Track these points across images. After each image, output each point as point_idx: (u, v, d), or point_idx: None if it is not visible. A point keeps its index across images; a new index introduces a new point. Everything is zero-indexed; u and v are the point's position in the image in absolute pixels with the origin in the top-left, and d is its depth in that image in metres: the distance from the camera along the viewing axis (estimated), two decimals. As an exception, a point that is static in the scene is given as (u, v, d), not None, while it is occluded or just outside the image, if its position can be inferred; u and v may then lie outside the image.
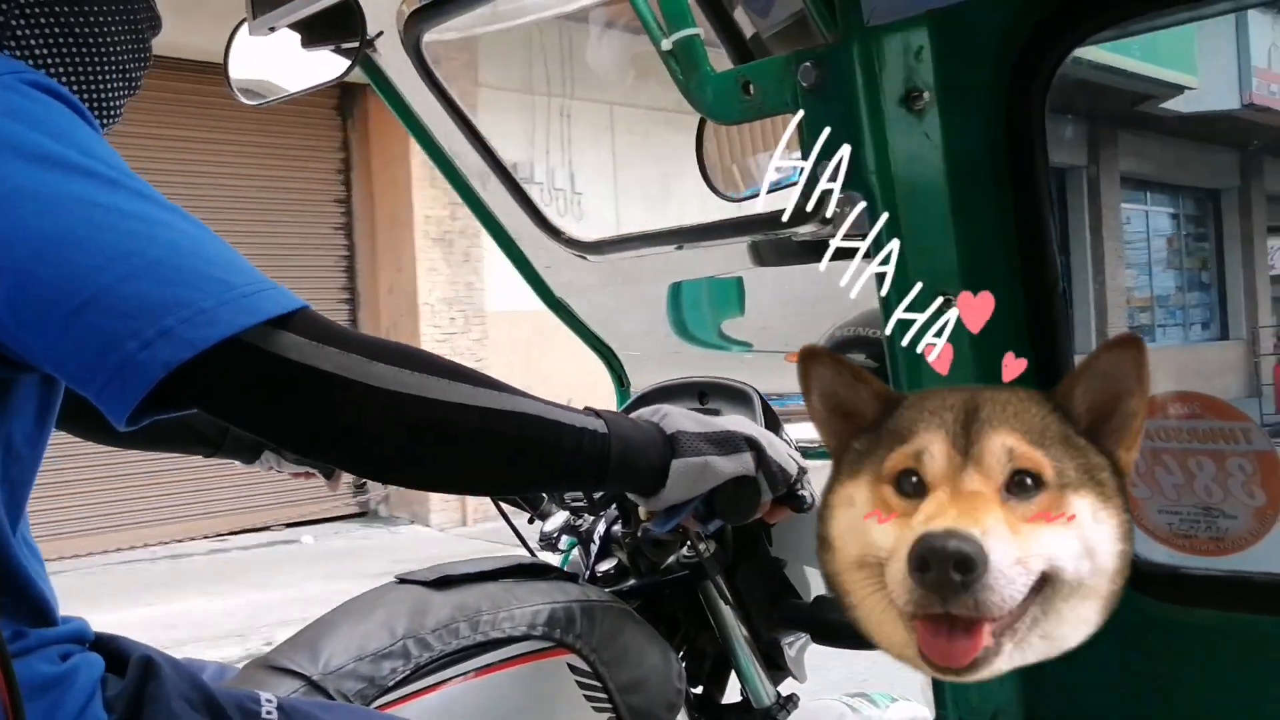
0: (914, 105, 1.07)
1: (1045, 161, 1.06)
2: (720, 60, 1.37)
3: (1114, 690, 1.09)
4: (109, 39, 1.11)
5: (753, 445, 1.20)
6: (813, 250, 1.76)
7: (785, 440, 1.52)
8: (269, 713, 1.06)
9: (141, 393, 0.85)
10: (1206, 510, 1.04)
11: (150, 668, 1.04)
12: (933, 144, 1.08)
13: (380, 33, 1.79)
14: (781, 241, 1.77)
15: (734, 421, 1.22)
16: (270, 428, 0.95)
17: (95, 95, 1.11)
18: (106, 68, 1.12)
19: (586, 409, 1.11)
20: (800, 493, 1.28)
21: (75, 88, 1.09)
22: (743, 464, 1.19)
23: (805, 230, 1.69)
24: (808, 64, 1.07)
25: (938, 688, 1.11)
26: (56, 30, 1.07)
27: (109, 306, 0.85)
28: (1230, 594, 1.02)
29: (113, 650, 1.06)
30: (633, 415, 1.16)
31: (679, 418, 1.17)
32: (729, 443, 1.18)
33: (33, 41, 1.05)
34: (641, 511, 1.23)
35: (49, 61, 1.07)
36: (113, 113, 1.15)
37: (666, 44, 1.15)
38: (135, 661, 1.04)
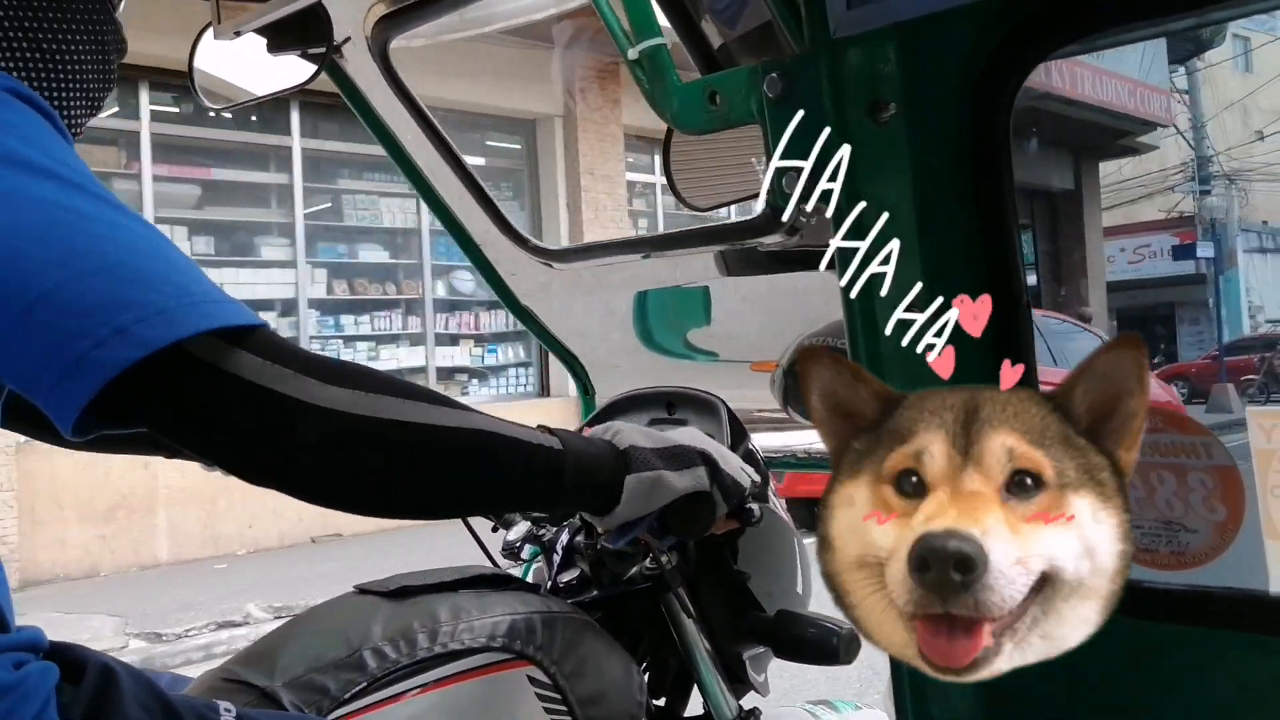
0: (879, 117, 1.07)
1: (1010, 174, 1.06)
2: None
3: (1070, 703, 1.09)
4: (76, 58, 1.10)
5: (706, 459, 1.20)
6: (780, 260, 1.76)
7: (751, 449, 1.52)
8: None
9: (89, 394, 0.82)
10: (1168, 524, 1.05)
11: (108, 676, 1.02)
12: (897, 156, 1.08)
13: (347, 38, 1.78)
14: (748, 251, 1.77)
15: (687, 435, 1.22)
16: (217, 448, 0.92)
17: (60, 112, 1.10)
18: (72, 86, 1.11)
19: (540, 427, 1.11)
20: (749, 506, 1.28)
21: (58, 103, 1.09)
22: (696, 479, 1.18)
23: (771, 240, 1.70)
24: (774, 75, 1.07)
25: (899, 697, 1.11)
26: (25, 45, 1.06)
27: (64, 303, 0.82)
28: (1191, 609, 1.02)
29: (68, 659, 1.04)
30: (585, 434, 1.16)
31: (631, 434, 1.16)
32: (682, 458, 1.18)
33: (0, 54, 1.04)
34: (597, 526, 1.22)
35: (15, 76, 1.05)
36: (75, 130, 1.13)
37: (633, 53, 1.15)
38: (92, 669, 1.02)
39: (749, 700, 1.55)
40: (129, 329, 0.82)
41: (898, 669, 1.11)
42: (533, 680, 1.27)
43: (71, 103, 1.11)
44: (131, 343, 0.82)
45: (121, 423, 0.87)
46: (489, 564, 1.55)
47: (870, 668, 2.30)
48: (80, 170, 0.90)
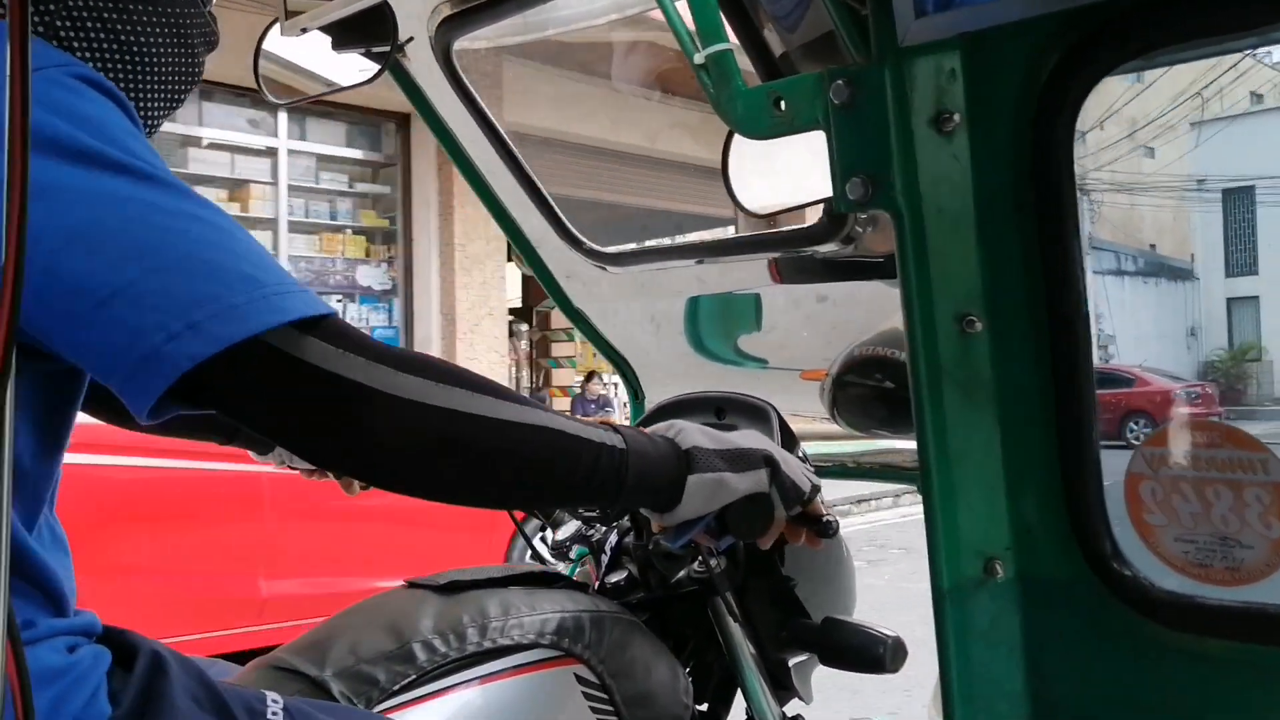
0: (944, 127, 1.07)
1: (1072, 187, 1.06)
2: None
3: (1121, 717, 1.09)
4: (155, 50, 1.10)
5: (768, 462, 1.20)
6: (834, 268, 1.76)
7: (800, 457, 1.52)
8: (274, 713, 1.05)
9: (164, 385, 0.84)
10: (1223, 540, 1.04)
11: (158, 663, 1.03)
12: (961, 166, 1.08)
13: (411, 38, 1.80)
14: (803, 259, 1.77)
15: (749, 437, 1.23)
16: (288, 433, 0.93)
17: (136, 105, 1.11)
18: (149, 79, 1.11)
19: (603, 423, 1.11)
20: (826, 519, 1.28)
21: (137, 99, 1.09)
22: (757, 481, 1.19)
23: (826, 248, 1.70)
24: (840, 82, 1.07)
25: (947, 709, 1.11)
26: (101, 35, 1.06)
27: (136, 299, 0.84)
28: (1245, 625, 1.02)
29: (121, 644, 1.06)
30: (647, 430, 1.17)
31: (694, 433, 1.17)
32: (744, 459, 1.18)
33: (75, 44, 1.05)
34: (654, 525, 1.23)
35: (91, 66, 1.06)
36: (151, 125, 1.14)
37: (699, 58, 1.16)
38: (144, 656, 1.03)
39: (792, 707, 1.55)
40: (201, 324, 0.84)
41: (947, 680, 1.11)
42: (580, 679, 1.28)
43: (149, 97, 1.12)
44: (204, 339, 0.84)
45: (195, 406, 0.89)
46: (537, 563, 1.56)
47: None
48: (152, 161, 0.91)
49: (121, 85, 1.08)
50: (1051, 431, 1.07)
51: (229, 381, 0.88)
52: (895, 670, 1.43)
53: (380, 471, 0.97)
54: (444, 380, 0.96)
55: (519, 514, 1.68)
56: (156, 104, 1.14)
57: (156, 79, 1.12)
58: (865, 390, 1.72)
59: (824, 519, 1.29)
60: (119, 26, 1.07)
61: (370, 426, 0.92)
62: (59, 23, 1.04)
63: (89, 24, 1.05)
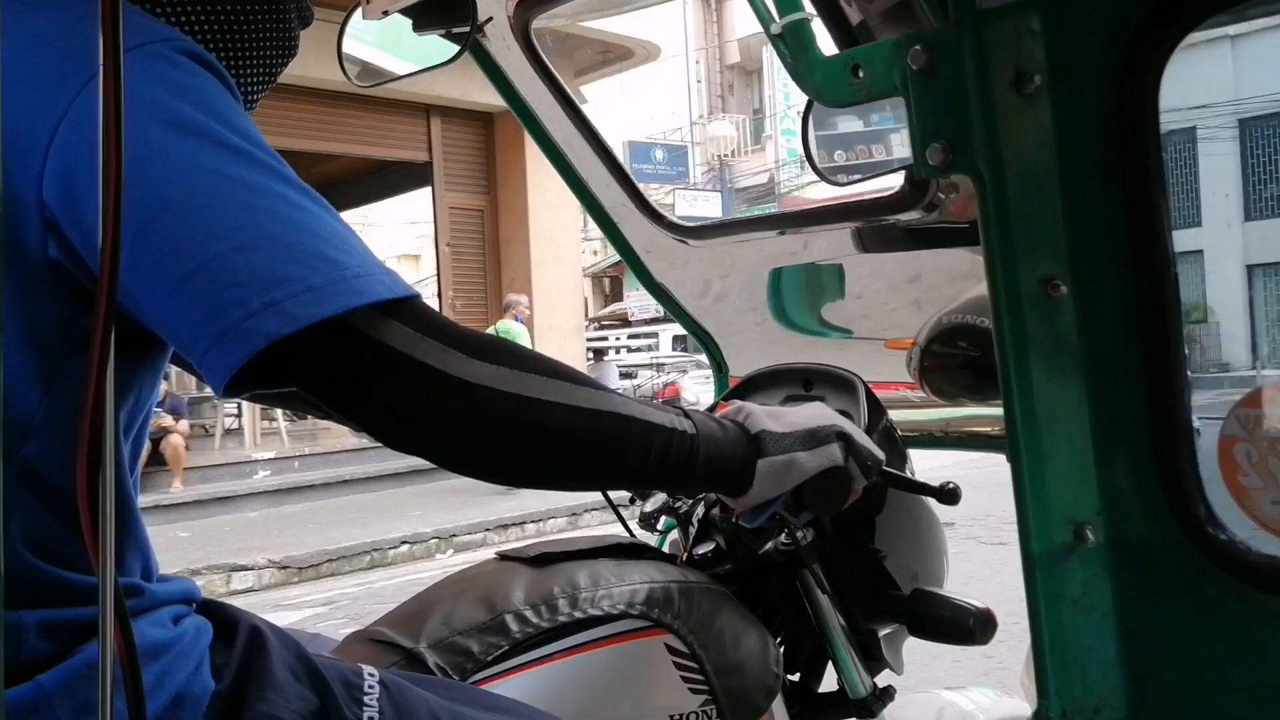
0: (1024, 89, 1.06)
1: (1158, 145, 1.04)
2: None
3: (1224, 687, 1.07)
4: (252, 26, 1.12)
5: (840, 437, 1.21)
6: (917, 237, 1.75)
7: (886, 426, 1.52)
8: (370, 686, 1.06)
9: (240, 360, 0.86)
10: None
11: (258, 637, 1.05)
12: (1043, 128, 1.06)
13: (490, 18, 1.82)
14: (885, 227, 1.76)
15: (817, 414, 1.23)
16: (361, 413, 0.94)
17: (240, 90, 1.13)
18: (247, 55, 1.13)
19: (675, 408, 1.12)
20: (949, 486, 1.34)
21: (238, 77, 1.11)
22: (829, 456, 1.20)
23: (909, 216, 1.69)
24: (917, 48, 1.06)
25: (1040, 677, 1.10)
26: (200, 11, 1.09)
27: (219, 275, 0.86)
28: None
29: (220, 616, 1.08)
30: (715, 416, 1.18)
31: (761, 416, 1.18)
32: (813, 437, 1.19)
33: (173, 20, 1.07)
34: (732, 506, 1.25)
35: (218, 52, 1.09)
36: (250, 101, 1.17)
37: (776, 27, 1.15)
38: (243, 630, 1.05)
39: (884, 679, 1.55)
40: (280, 304, 0.85)
41: (1039, 648, 1.10)
42: (670, 649, 1.29)
43: (247, 72, 1.14)
44: (282, 318, 0.85)
45: (272, 384, 0.91)
46: (626, 534, 1.58)
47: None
48: (248, 134, 0.92)
49: (220, 60, 1.11)
50: (1140, 394, 1.06)
51: (306, 360, 0.89)
52: (985, 642, 1.43)
53: (452, 455, 0.99)
54: (518, 366, 0.97)
55: None
56: (254, 80, 1.16)
57: (254, 55, 1.14)
58: (951, 358, 1.70)
59: (947, 487, 1.32)
60: (218, 4, 1.09)
61: (443, 411, 0.94)
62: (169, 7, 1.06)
63: (189, 2, 1.08)
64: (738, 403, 1.22)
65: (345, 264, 0.89)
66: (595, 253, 34.56)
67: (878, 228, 1.78)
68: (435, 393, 0.93)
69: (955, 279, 1.74)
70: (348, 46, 1.74)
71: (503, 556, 1.40)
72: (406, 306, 0.92)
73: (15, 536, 0.90)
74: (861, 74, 1.12)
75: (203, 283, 0.86)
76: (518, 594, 1.29)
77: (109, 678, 0.54)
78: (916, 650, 1.60)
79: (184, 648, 0.99)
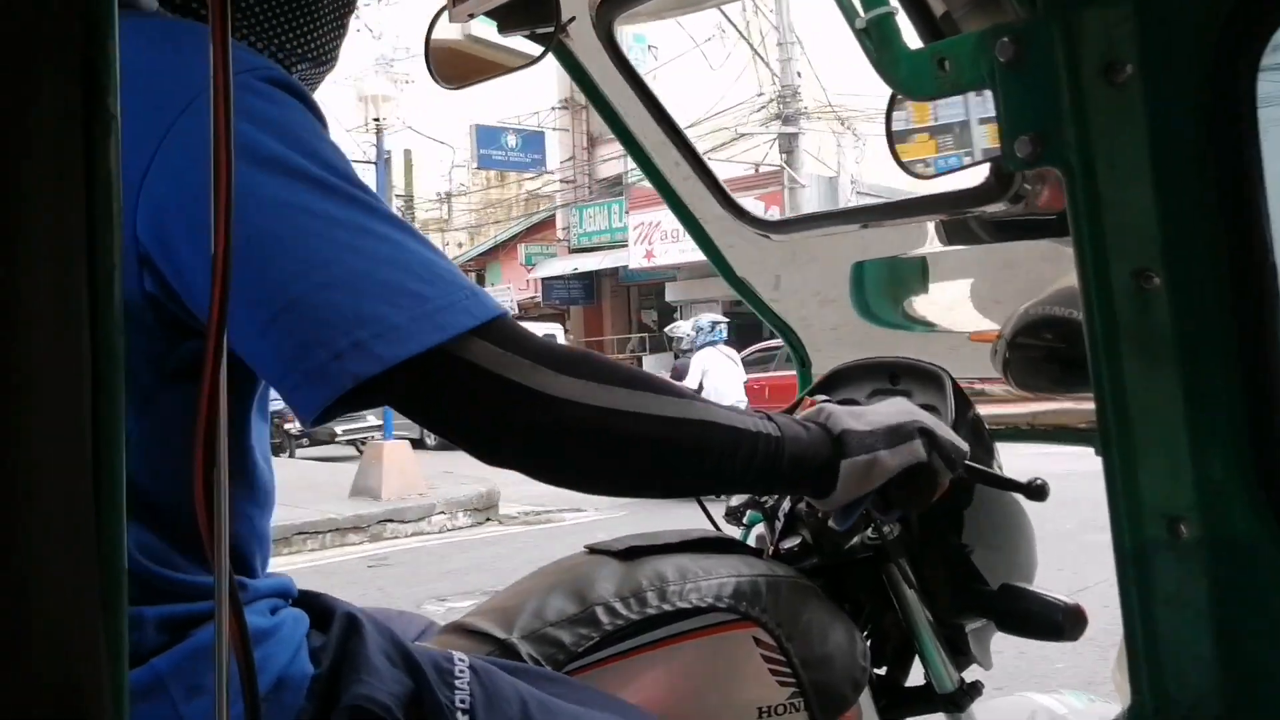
0: (1115, 78, 1.04)
1: (1255, 135, 1.02)
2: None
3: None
4: (317, 17, 1.16)
5: (923, 432, 1.21)
6: (1002, 229, 1.73)
7: (972, 419, 1.51)
8: (461, 672, 1.10)
9: (327, 401, 0.89)
10: None
11: (353, 624, 1.09)
12: (1134, 117, 1.05)
13: (573, 18, 1.83)
14: (970, 220, 1.75)
15: (898, 410, 1.23)
16: (454, 431, 0.97)
17: (314, 49, 1.16)
18: (322, 17, 1.16)
19: (758, 412, 1.13)
20: (1036, 483, 1.33)
21: (297, 44, 1.14)
22: (912, 453, 1.20)
23: (994, 208, 1.67)
24: (1005, 39, 1.05)
25: (1134, 675, 1.08)
26: (269, 9, 1.12)
27: (306, 314, 0.88)
28: None
29: (316, 606, 1.12)
30: (798, 418, 1.18)
31: (843, 416, 1.18)
32: (896, 434, 1.20)
33: (256, 6, 1.11)
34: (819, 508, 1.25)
35: (273, 25, 1.12)
36: (330, 60, 1.20)
37: (861, 22, 1.15)
38: (339, 618, 1.10)
39: (970, 674, 1.54)
40: (365, 344, 0.88)
41: (1132, 645, 1.08)
42: (758, 641, 1.30)
43: (323, 33, 1.17)
44: (367, 359, 0.88)
45: (364, 409, 0.95)
46: (712, 528, 1.58)
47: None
48: (333, 165, 0.94)
49: (287, 53, 1.14)
50: (1238, 387, 1.04)
51: (395, 390, 0.92)
52: (1074, 638, 1.41)
53: (543, 468, 1.01)
54: (604, 379, 0.99)
55: None
56: (329, 35, 1.19)
57: (318, 43, 1.17)
58: (1038, 350, 1.69)
59: (1035, 483, 1.32)
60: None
61: (533, 427, 0.96)
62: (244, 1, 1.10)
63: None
64: (821, 398, 1.23)
65: (429, 297, 0.91)
66: (460, 245, 33.75)
67: (962, 220, 1.76)
68: (525, 409, 0.95)
69: (1041, 271, 1.73)
70: (435, 48, 1.76)
71: (592, 549, 1.42)
72: (494, 326, 0.94)
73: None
74: (948, 67, 1.11)
75: (290, 321, 0.89)
76: (607, 586, 1.30)
77: (225, 660, 0.57)
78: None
79: (283, 635, 1.04)
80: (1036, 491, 1.35)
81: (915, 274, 2.03)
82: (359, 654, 1.06)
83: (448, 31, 1.76)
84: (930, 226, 1.83)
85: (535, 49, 1.79)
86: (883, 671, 1.56)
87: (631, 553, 1.36)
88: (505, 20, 1.73)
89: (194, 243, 0.89)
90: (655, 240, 25.79)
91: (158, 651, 0.95)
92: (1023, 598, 1.46)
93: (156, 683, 0.94)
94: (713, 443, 1.06)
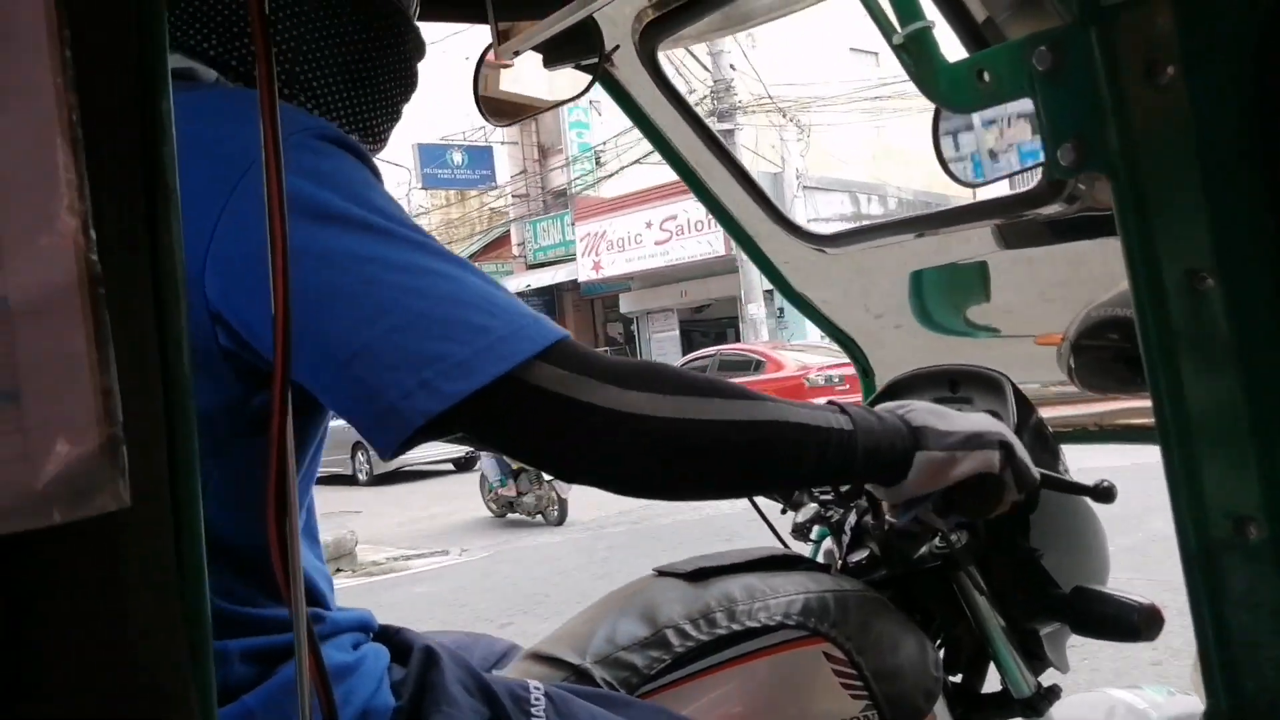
0: (1158, 79, 1.04)
1: (1304, 129, 1.01)
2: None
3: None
4: (383, 74, 1.19)
5: (1003, 446, 1.22)
6: (1060, 229, 1.72)
7: (1037, 423, 1.51)
8: (537, 699, 1.13)
9: (401, 438, 0.93)
10: None
11: (431, 657, 1.12)
12: (1180, 118, 1.04)
13: (617, 47, 1.86)
14: (1026, 223, 1.74)
15: (983, 421, 1.24)
16: (530, 455, 1.01)
17: (368, 129, 1.21)
18: (377, 101, 1.20)
19: (831, 404, 1.14)
20: (1104, 485, 1.34)
21: (350, 124, 1.19)
22: (986, 461, 1.21)
23: (1050, 210, 1.67)
24: (1043, 48, 1.06)
25: (1208, 674, 1.07)
26: (336, 72, 1.16)
27: (374, 360, 0.92)
28: None
29: (396, 642, 1.16)
30: (878, 409, 1.19)
31: (924, 413, 1.20)
32: (976, 440, 1.21)
33: (315, 84, 1.15)
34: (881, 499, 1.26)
35: (330, 104, 1.16)
36: (381, 142, 1.24)
37: (898, 38, 1.16)
38: (418, 651, 1.13)
39: (1048, 677, 1.53)
40: (432, 382, 0.91)
41: (1204, 647, 1.07)
42: (829, 656, 1.31)
43: (377, 117, 1.21)
44: (436, 396, 0.91)
45: (440, 439, 0.98)
46: (779, 545, 1.59)
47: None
48: (387, 212, 0.97)
49: (352, 115, 1.18)
50: None
51: (467, 421, 0.95)
52: (1151, 639, 1.40)
53: (621, 482, 1.04)
54: (671, 390, 1.01)
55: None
56: (384, 120, 1.23)
57: (385, 100, 1.21)
58: (1104, 352, 1.68)
59: (1102, 485, 1.32)
60: (353, 62, 1.16)
61: (605, 442, 0.98)
62: (298, 69, 1.13)
63: (325, 65, 1.15)
64: (906, 400, 1.24)
65: (492, 329, 0.94)
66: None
67: (1019, 223, 1.76)
68: (596, 428, 0.97)
69: (1105, 269, 1.71)
70: (483, 88, 1.80)
71: (660, 572, 1.44)
72: (555, 349, 0.96)
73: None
74: (987, 78, 1.12)
75: (360, 368, 0.92)
76: (677, 609, 1.32)
77: (308, 695, 0.60)
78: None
79: (365, 670, 1.07)
80: (1104, 494, 1.35)
81: (974, 280, 2.02)
82: (438, 685, 1.09)
83: (495, 68, 1.79)
84: (986, 232, 1.83)
85: (583, 80, 1.82)
86: (959, 679, 1.55)
87: (699, 574, 1.38)
88: (551, 54, 1.76)
89: (261, 299, 0.93)
90: (602, 250, 25.15)
91: (247, 687, 0.99)
92: (1097, 599, 1.45)
93: (247, 717, 0.98)
94: (786, 441, 1.07)
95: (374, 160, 1.04)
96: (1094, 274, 1.76)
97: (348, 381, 0.93)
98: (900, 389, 1.74)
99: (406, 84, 1.24)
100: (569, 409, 0.96)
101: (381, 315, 0.92)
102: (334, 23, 1.14)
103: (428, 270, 0.95)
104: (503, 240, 30.91)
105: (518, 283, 27.79)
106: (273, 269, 0.61)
